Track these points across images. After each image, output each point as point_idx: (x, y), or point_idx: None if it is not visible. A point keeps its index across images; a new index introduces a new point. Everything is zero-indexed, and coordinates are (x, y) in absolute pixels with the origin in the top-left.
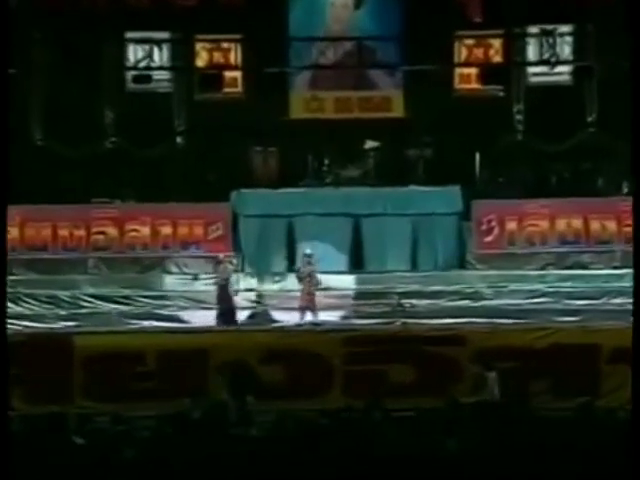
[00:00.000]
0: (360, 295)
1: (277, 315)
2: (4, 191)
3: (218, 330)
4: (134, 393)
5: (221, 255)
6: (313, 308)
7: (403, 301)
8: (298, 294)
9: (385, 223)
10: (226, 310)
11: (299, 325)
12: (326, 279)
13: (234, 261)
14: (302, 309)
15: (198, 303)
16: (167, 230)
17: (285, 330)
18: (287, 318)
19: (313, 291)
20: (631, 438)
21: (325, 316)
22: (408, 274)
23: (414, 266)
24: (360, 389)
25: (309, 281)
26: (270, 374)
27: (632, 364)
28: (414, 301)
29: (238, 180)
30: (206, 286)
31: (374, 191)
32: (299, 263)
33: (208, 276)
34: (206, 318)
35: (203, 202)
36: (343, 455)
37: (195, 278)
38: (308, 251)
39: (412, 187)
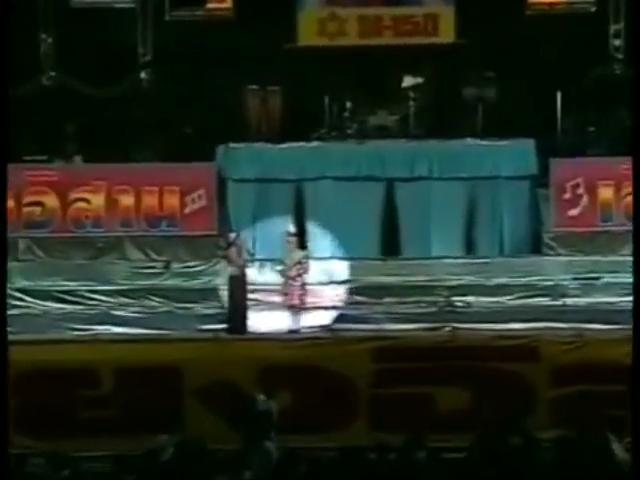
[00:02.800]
0: (395, 291)
1: (277, 318)
2: (4, 192)
3: (198, 339)
4: (82, 426)
5: (232, 235)
6: (300, 308)
7: (454, 299)
8: (295, 287)
9: (429, 191)
10: (238, 313)
11: (297, 332)
12: (342, 268)
13: (250, 246)
14: (292, 309)
15: (172, 302)
16: (128, 200)
17: (290, 339)
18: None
19: (300, 283)
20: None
21: (338, 319)
22: (461, 261)
23: (470, 250)
24: (394, 421)
25: (298, 270)
26: (269, 400)
27: (632, 364)
28: (469, 299)
29: (226, 131)
30: (185, 280)
31: (414, 146)
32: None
33: (184, 265)
34: (183, 323)
35: (178, 162)
36: None
37: (166, 267)
38: (291, 229)
39: (468, 141)
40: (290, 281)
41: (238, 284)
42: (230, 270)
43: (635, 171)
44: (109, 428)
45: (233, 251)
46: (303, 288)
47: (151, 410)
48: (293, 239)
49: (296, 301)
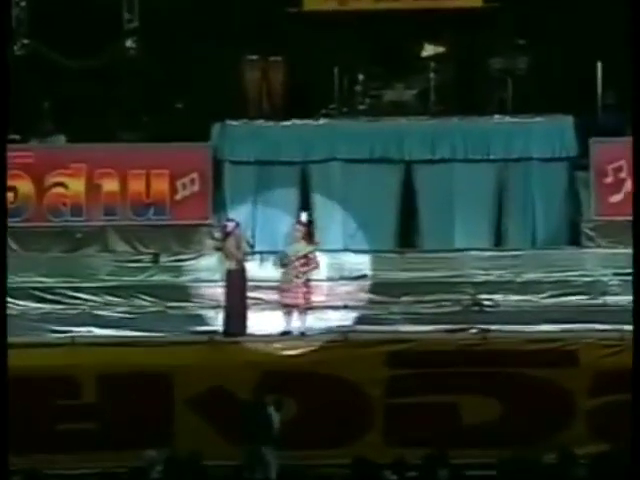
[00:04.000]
0: (413, 288)
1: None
2: (4, 192)
3: (191, 343)
4: (61, 440)
5: (230, 224)
6: (307, 307)
7: (480, 297)
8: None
9: (452, 175)
10: (236, 313)
11: (303, 334)
12: (354, 263)
13: (249, 237)
14: (298, 308)
15: (161, 300)
16: (112, 185)
17: (294, 343)
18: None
19: (307, 279)
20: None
21: (349, 320)
22: (489, 254)
23: (498, 242)
24: (412, 434)
25: (303, 264)
26: (271, 411)
27: (632, 364)
28: (498, 297)
29: (223, 107)
30: (176, 275)
31: (435, 124)
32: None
33: (175, 258)
34: (174, 324)
35: (168, 142)
36: None
37: (155, 261)
38: (303, 217)
39: (496, 118)
40: (296, 277)
41: (236, 280)
42: (227, 264)
43: (635, 171)
44: (91, 442)
45: (231, 242)
46: (310, 285)
47: (138, 422)
48: (301, 229)
49: (302, 300)
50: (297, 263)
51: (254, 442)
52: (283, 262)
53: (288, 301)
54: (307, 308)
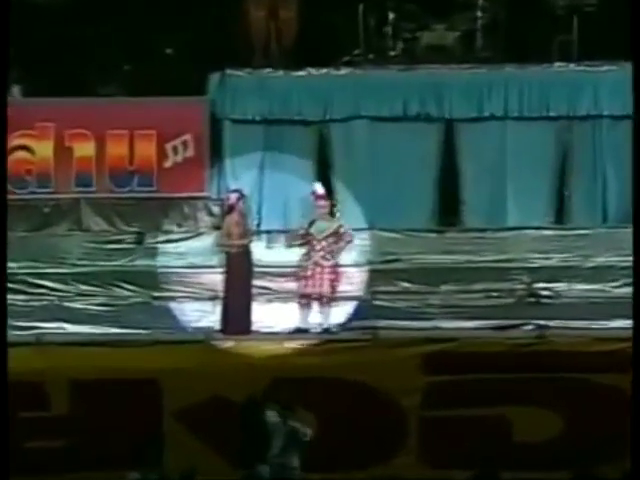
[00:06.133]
0: (455, 275)
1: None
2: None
3: (182, 342)
4: (26, 459)
5: (233, 196)
6: (328, 298)
7: (537, 286)
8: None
9: (505, 136)
10: (238, 305)
11: (322, 332)
12: (383, 244)
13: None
14: (317, 300)
15: (147, 290)
16: (86, 149)
17: (310, 343)
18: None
19: (332, 264)
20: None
21: (377, 314)
22: (548, 234)
23: (560, 219)
24: (453, 452)
25: (332, 243)
26: (282, 427)
27: (632, 364)
28: (559, 286)
29: (222, 53)
30: (164, 259)
31: (482, 74)
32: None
33: (163, 239)
34: (163, 319)
35: (155, 95)
36: None
37: (139, 241)
38: (319, 189)
39: (558, 66)
40: (324, 259)
41: (239, 265)
42: (228, 246)
43: (635, 170)
44: (62, 462)
45: (233, 219)
46: (339, 270)
47: (119, 438)
48: (324, 203)
49: (328, 288)
50: (324, 243)
51: (258, 463)
52: (298, 242)
53: (309, 290)
54: (332, 299)
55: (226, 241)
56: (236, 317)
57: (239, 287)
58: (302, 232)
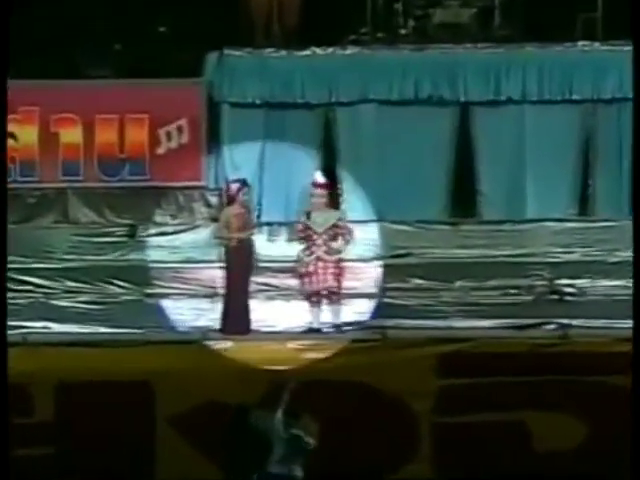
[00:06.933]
0: (471, 270)
1: (296, 310)
2: (4, 192)
3: (177, 343)
4: (10, 469)
5: (234, 186)
6: (333, 295)
7: (559, 282)
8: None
9: (524, 120)
10: (237, 303)
11: (328, 330)
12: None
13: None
14: (321, 297)
15: (139, 286)
16: (73, 135)
17: (314, 343)
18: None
19: (335, 258)
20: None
21: (387, 312)
22: (570, 226)
23: (583, 210)
24: (469, 461)
25: (333, 237)
26: (283, 434)
27: (632, 364)
28: (582, 282)
29: (220, 32)
30: (158, 253)
31: (500, 54)
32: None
33: (157, 231)
34: (156, 317)
35: (148, 77)
36: None
37: (131, 234)
38: (318, 177)
39: (582, 45)
40: (326, 253)
41: (239, 260)
42: (227, 238)
43: (635, 170)
44: (47, 472)
45: (234, 210)
46: (343, 265)
47: (109, 446)
48: (322, 192)
49: (333, 284)
50: (325, 237)
51: (256, 473)
52: (297, 236)
53: (312, 287)
54: (338, 296)
55: (225, 233)
56: (236, 316)
57: (239, 283)
58: (300, 226)
